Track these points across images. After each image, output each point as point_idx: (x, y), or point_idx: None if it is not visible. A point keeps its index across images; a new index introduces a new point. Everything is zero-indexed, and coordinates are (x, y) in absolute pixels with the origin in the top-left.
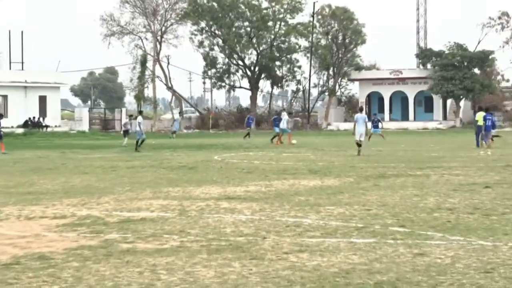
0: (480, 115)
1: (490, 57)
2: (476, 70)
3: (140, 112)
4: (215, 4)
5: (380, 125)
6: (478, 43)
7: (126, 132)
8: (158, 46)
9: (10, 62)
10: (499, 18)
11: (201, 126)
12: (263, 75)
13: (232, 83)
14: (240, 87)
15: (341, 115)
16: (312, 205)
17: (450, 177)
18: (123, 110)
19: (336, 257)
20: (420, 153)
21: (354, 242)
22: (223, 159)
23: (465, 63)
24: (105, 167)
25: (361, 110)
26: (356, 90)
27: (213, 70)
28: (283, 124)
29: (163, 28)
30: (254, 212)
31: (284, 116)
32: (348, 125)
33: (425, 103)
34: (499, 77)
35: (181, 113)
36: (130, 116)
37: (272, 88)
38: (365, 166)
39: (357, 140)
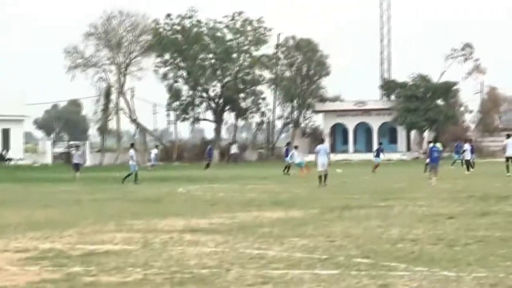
0: (439, 145)
1: (454, 88)
2: (440, 101)
3: (132, 145)
4: (179, 36)
5: (381, 155)
6: (442, 74)
7: (76, 166)
8: (122, 78)
9: None
10: (462, 49)
11: (165, 159)
12: (227, 107)
13: (196, 115)
14: (204, 119)
15: (306, 147)
16: (276, 237)
17: (414, 208)
18: (87, 143)
19: None
20: (384, 184)
21: (318, 273)
22: (187, 191)
23: (429, 95)
24: (68, 200)
25: (322, 141)
26: (320, 122)
27: (177, 102)
28: (294, 157)
29: (127, 60)
30: (218, 244)
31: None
32: (313, 157)
33: (389, 134)
34: (462, 108)
35: (157, 146)
36: (77, 146)
37: (237, 120)
38: (329, 197)
39: (320, 171)
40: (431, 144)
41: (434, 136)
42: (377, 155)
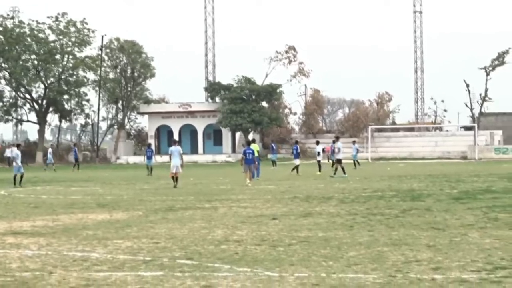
0: (255, 147)
1: (278, 90)
2: (264, 104)
3: (18, 146)
4: (1, 36)
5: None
6: (266, 76)
7: None
8: None
9: None
10: (286, 52)
11: None
12: (51, 109)
13: (19, 117)
14: (28, 120)
15: (131, 149)
16: (100, 239)
17: (238, 209)
18: None
19: None
20: (209, 186)
21: (142, 275)
22: (9, 193)
23: (253, 97)
24: None
25: (174, 142)
26: (145, 124)
27: (0, 104)
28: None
29: None
30: (40, 247)
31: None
32: (138, 159)
33: (214, 136)
34: (286, 110)
35: (52, 145)
36: None
37: (60, 121)
38: (154, 199)
39: (173, 173)
40: (246, 146)
41: (253, 139)
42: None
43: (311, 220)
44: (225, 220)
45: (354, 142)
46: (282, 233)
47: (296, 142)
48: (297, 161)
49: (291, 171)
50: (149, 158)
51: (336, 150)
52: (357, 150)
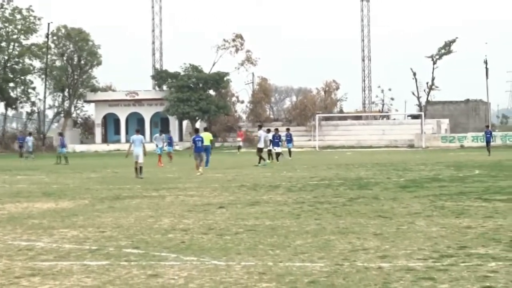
0: (208, 136)
1: (225, 78)
2: (212, 92)
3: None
4: None
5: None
6: (213, 65)
7: None
8: None
9: None
10: (233, 40)
11: None
12: None
13: None
14: None
15: (77, 137)
16: (46, 228)
17: (185, 198)
18: None
19: (69, 280)
20: (156, 174)
21: (88, 264)
22: None
23: (201, 85)
24: None
25: (137, 131)
26: (92, 112)
27: None
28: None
29: None
30: None
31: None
32: (85, 147)
33: (161, 125)
34: (234, 99)
35: (31, 133)
36: None
37: (6, 109)
38: (100, 188)
39: (138, 163)
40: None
41: (205, 127)
42: (289, 142)
43: (258, 209)
44: (172, 208)
45: (288, 130)
46: (229, 221)
47: (288, 129)
48: (278, 149)
49: (277, 161)
50: (63, 146)
51: (257, 138)
52: (291, 138)
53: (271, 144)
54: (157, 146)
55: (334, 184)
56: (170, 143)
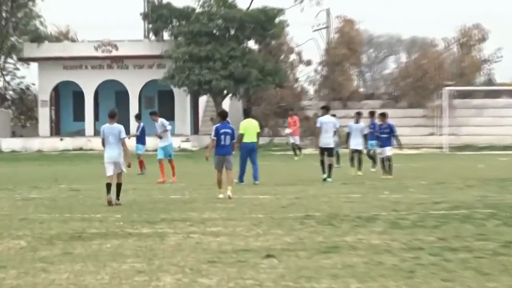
0: (250, 124)
1: (278, 20)
2: (253, 44)
3: None
4: None
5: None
6: None
7: None
8: None
9: None
10: None
11: None
12: None
13: None
14: None
15: (6, 124)
16: None
17: (203, 239)
18: None
19: None
20: (150, 194)
21: None
22: None
23: (232, 32)
24: None
25: (113, 116)
26: (33, 79)
27: None
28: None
29: None
30: None
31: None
32: (20, 142)
33: (160, 103)
34: (293, 57)
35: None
36: None
37: None
38: (48, 218)
39: (113, 177)
40: None
41: (245, 108)
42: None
43: (337, 260)
44: (178, 258)
45: (383, 116)
46: (283, 282)
47: (383, 115)
48: (388, 150)
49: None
50: None
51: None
52: (391, 130)
53: (366, 140)
54: (160, 138)
55: (477, 216)
56: (142, 137)
